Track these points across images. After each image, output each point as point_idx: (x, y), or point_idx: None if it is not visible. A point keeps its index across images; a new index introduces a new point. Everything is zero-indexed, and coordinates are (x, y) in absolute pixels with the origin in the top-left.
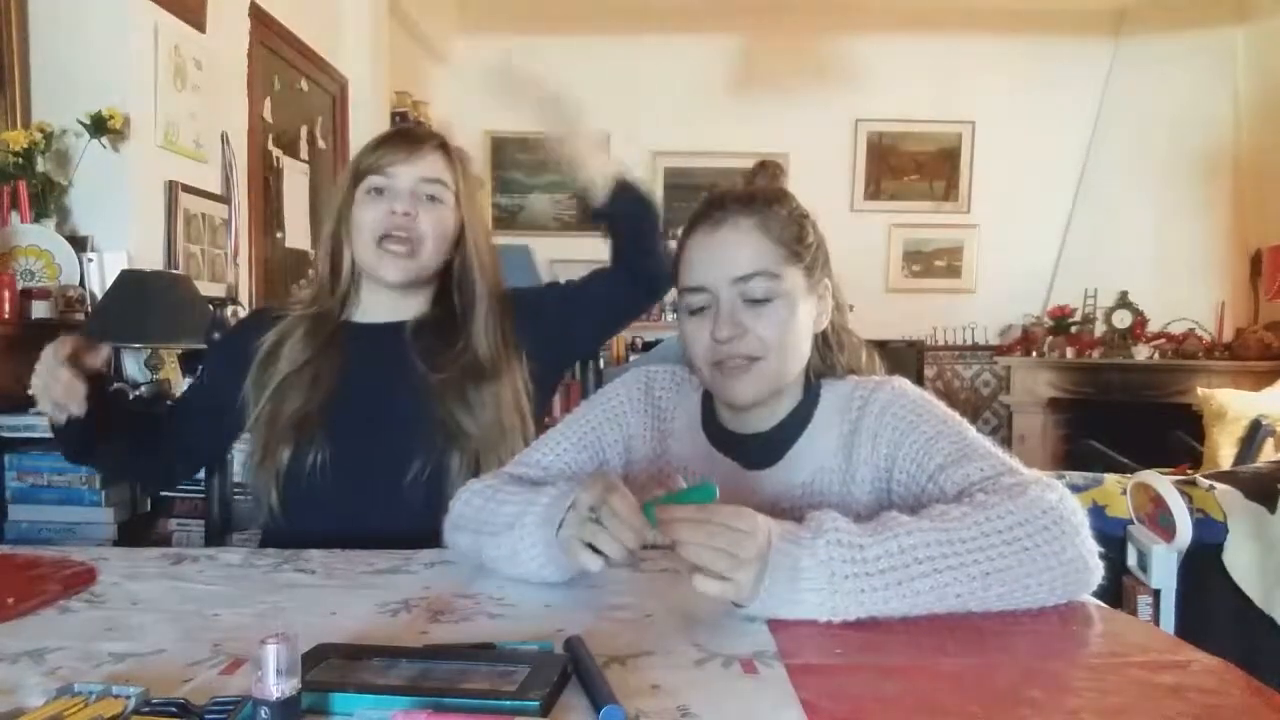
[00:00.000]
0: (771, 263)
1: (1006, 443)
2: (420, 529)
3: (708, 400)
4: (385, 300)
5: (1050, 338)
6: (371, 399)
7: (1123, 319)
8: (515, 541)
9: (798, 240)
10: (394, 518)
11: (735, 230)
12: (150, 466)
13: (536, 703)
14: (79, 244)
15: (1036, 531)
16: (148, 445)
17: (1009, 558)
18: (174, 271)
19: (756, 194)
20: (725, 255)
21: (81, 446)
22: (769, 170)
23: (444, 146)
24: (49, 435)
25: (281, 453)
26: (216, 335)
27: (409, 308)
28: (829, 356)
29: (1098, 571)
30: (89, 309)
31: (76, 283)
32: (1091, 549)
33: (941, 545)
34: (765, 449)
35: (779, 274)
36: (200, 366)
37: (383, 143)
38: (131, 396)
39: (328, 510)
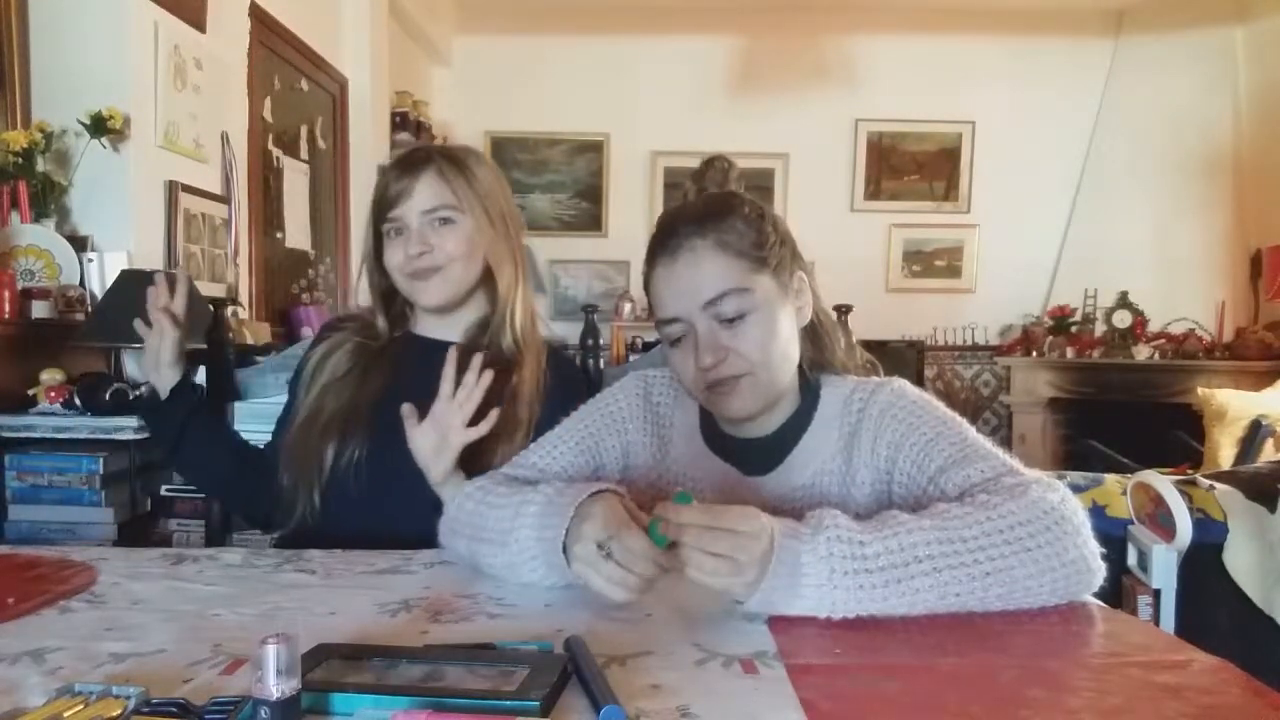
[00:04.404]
0: (738, 278)
1: (1006, 443)
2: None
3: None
4: (433, 318)
5: (1050, 338)
6: (412, 403)
7: (1123, 319)
8: (513, 556)
9: (758, 245)
10: (419, 518)
11: (693, 254)
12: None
13: (536, 703)
14: (79, 244)
15: (1038, 532)
16: (255, 471)
17: (1010, 558)
18: (174, 271)
19: (706, 209)
20: (689, 283)
21: (175, 435)
22: (717, 167)
23: (440, 168)
24: (49, 435)
25: (324, 452)
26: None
27: (457, 324)
28: (821, 345)
29: (1099, 572)
30: (89, 309)
31: (76, 283)
32: (1094, 550)
33: (942, 544)
34: (765, 454)
35: (748, 287)
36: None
37: (388, 173)
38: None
39: (360, 510)
